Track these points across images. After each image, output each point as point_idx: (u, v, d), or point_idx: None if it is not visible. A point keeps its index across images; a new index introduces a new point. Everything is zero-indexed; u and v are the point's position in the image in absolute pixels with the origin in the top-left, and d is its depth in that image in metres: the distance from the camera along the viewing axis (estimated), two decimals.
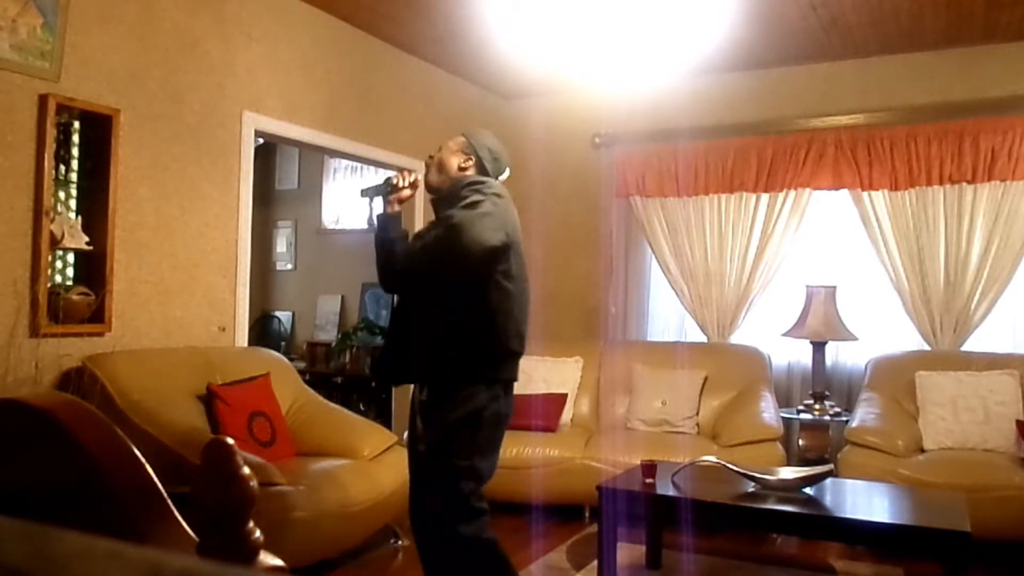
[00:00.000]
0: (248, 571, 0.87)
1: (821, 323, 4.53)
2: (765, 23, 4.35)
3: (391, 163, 4.95)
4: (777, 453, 4.07)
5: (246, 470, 1.00)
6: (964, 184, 4.56)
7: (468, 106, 5.59)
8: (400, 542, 3.78)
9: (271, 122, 4.08)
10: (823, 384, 4.63)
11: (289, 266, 7.09)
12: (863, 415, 4.12)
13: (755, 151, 5.07)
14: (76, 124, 3.25)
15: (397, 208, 2.59)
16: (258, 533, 1.01)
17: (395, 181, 2.57)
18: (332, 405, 3.94)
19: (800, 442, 4.57)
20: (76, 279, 3.29)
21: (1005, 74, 4.54)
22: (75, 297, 3.16)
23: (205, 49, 3.73)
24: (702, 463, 3.42)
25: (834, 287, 4.62)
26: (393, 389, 5.22)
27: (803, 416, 4.57)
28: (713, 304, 5.15)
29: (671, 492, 3.14)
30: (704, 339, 5.19)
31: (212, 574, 0.46)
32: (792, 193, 4.99)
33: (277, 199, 7.17)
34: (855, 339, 4.60)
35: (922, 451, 3.96)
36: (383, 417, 5.13)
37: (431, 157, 2.65)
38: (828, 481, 3.21)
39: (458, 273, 2.33)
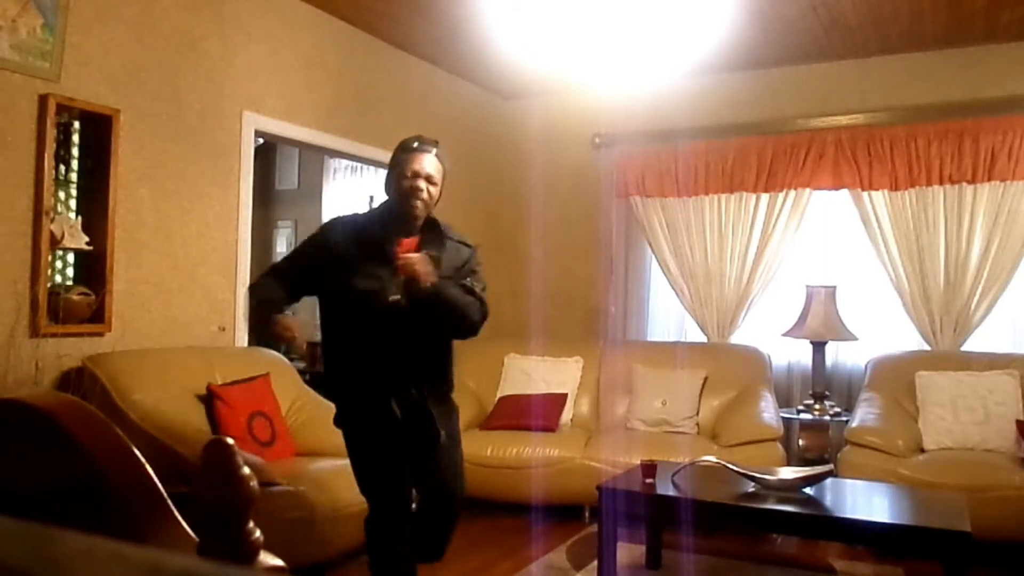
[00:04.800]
0: (248, 571, 0.87)
1: (821, 323, 4.53)
2: (765, 23, 4.35)
3: None
4: (777, 453, 4.07)
5: (246, 470, 1.00)
6: (964, 184, 4.56)
7: (468, 106, 5.59)
8: None
9: (271, 122, 4.08)
10: (823, 384, 4.63)
11: None
12: (863, 415, 4.12)
13: (755, 151, 5.07)
14: (76, 124, 3.25)
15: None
16: (258, 533, 1.01)
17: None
18: (332, 405, 3.93)
19: (800, 442, 4.58)
20: (76, 279, 3.29)
21: (1005, 74, 4.54)
22: (75, 297, 3.16)
23: (205, 49, 3.73)
24: (702, 463, 3.42)
25: (834, 287, 4.62)
26: None
27: (803, 416, 4.57)
28: (713, 304, 5.15)
29: (671, 492, 3.14)
30: (704, 339, 5.19)
31: (212, 574, 0.46)
32: (792, 193, 4.99)
33: (277, 199, 7.17)
34: (855, 339, 4.60)
35: (922, 451, 3.96)
36: None
37: (429, 190, 2.52)
38: (828, 481, 3.21)
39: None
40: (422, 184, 2.49)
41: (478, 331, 2.62)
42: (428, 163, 2.52)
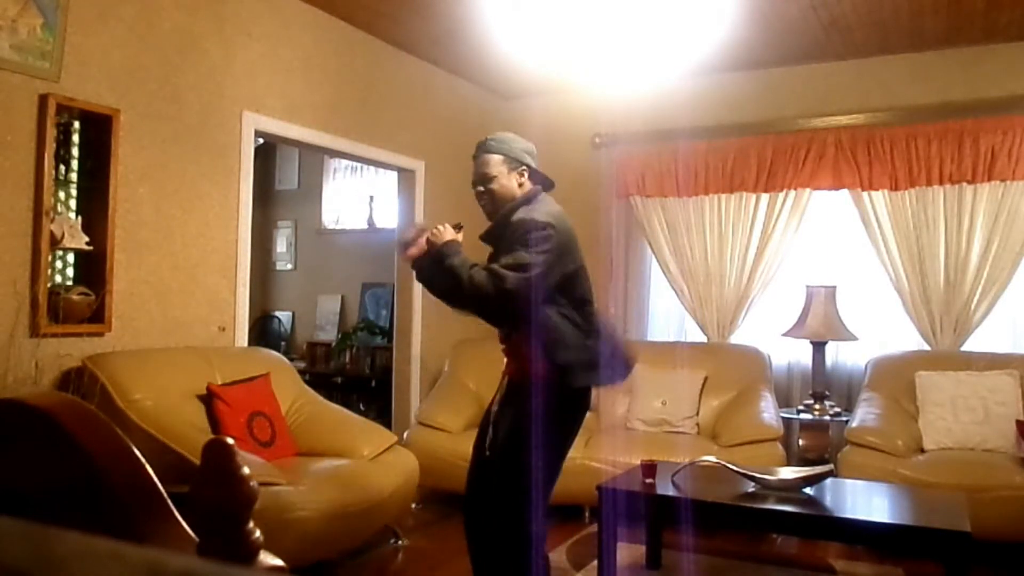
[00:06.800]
0: (248, 571, 0.87)
1: (821, 323, 4.53)
2: (765, 23, 4.35)
3: (391, 163, 4.96)
4: (777, 453, 4.07)
5: (246, 470, 1.00)
6: (964, 184, 4.56)
7: (468, 106, 5.59)
8: (400, 542, 3.78)
9: (271, 122, 4.08)
10: (823, 384, 4.63)
11: (289, 266, 7.09)
12: (863, 415, 4.12)
13: (755, 151, 5.07)
14: (76, 124, 3.25)
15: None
16: (258, 533, 1.01)
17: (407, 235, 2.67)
18: (332, 405, 3.94)
19: (800, 442, 4.58)
20: (76, 279, 3.29)
21: (1005, 74, 4.54)
22: (75, 297, 3.16)
23: (205, 49, 3.73)
24: (702, 463, 3.42)
25: (834, 287, 4.62)
26: (394, 390, 5.22)
27: (803, 416, 4.57)
28: (713, 304, 5.15)
29: (671, 492, 3.14)
30: (704, 339, 5.19)
31: (212, 574, 0.46)
32: (792, 193, 4.98)
33: (277, 199, 7.17)
34: (855, 339, 4.60)
35: (922, 451, 3.96)
36: (383, 417, 5.13)
37: (490, 190, 2.64)
38: (828, 481, 3.21)
39: None
40: (480, 189, 2.67)
41: (473, 305, 2.51)
42: (477, 168, 2.66)
